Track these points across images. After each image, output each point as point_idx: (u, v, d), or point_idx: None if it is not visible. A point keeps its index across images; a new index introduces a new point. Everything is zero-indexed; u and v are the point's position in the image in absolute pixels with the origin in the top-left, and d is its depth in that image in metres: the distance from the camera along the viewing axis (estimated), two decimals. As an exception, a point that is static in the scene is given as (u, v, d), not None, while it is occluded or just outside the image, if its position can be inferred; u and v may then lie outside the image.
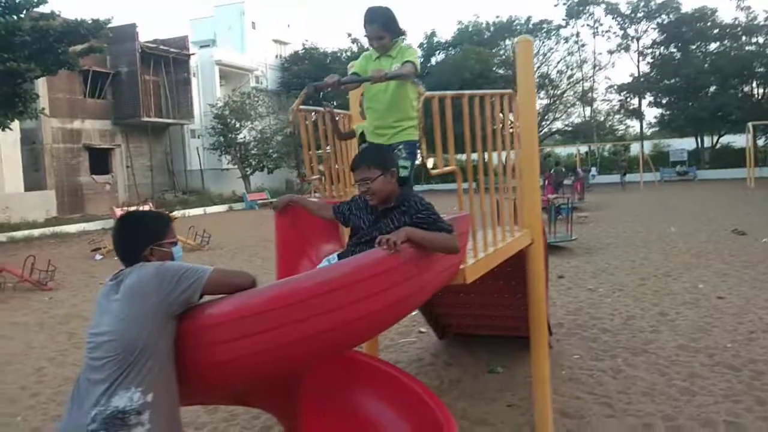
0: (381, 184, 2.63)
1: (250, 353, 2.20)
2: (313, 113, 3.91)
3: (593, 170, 31.29)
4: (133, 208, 21.21)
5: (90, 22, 18.08)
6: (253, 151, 34.27)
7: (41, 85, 24.10)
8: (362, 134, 3.42)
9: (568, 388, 4.85)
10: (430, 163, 2.90)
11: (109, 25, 19.61)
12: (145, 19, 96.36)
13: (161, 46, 31.03)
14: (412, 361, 5.54)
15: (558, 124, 44.68)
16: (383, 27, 3.24)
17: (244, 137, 33.83)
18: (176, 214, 21.78)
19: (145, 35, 30.77)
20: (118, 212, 22.28)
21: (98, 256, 13.99)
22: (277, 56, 42.94)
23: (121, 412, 1.99)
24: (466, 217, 2.95)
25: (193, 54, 33.64)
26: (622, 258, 10.49)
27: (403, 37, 3.28)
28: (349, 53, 43.49)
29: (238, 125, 33.24)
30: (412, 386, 3.21)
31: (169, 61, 31.44)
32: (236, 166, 34.22)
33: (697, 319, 6.50)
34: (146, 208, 22.25)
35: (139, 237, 2.30)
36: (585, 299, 7.58)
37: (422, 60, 43.50)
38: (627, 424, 4.19)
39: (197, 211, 27.50)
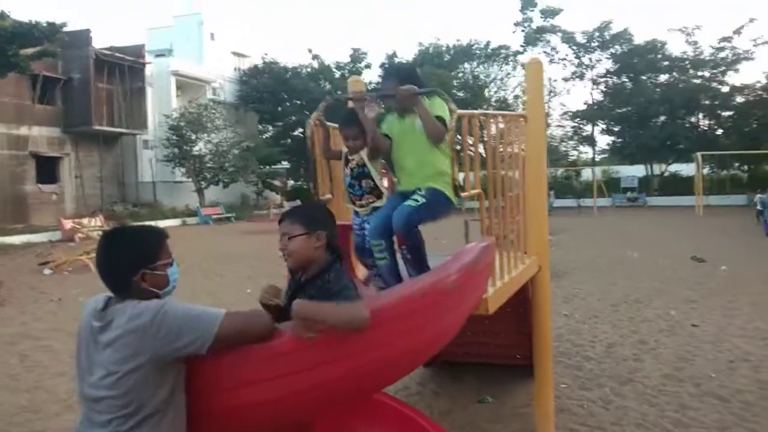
0: (300, 245, 2.18)
1: (277, 397, 1.97)
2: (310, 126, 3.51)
3: (551, 196, 31.77)
4: (85, 220, 20.31)
5: (45, 24, 17.39)
6: (208, 165, 33.48)
7: (-14, 88, 23.04)
8: (346, 156, 3.20)
9: (560, 419, 4.70)
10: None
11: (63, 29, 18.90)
12: (101, 27, 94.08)
13: (116, 54, 30.12)
14: (398, 390, 5.30)
15: (513, 148, 45.48)
16: (401, 84, 2.88)
17: (200, 150, 33.03)
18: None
19: (99, 42, 29.87)
20: (67, 224, 21.31)
21: (47, 271, 13.21)
22: (235, 69, 42.34)
23: None
24: (491, 245, 2.78)
25: (149, 63, 32.79)
26: (590, 283, 10.55)
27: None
28: (309, 69, 43.31)
29: (193, 137, 32.44)
30: (421, 423, 3.01)
31: (124, 69, 30.55)
32: (190, 179, 33.34)
33: (677, 347, 6.50)
34: (95, 220, 21.40)
35: (129, 259, 1.93)
36: (563, 325, 7.52)
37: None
38: (627, 459, 4.08)
39: (149, 224, 26.59)
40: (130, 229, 2.11)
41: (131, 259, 1.93)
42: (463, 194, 2.73)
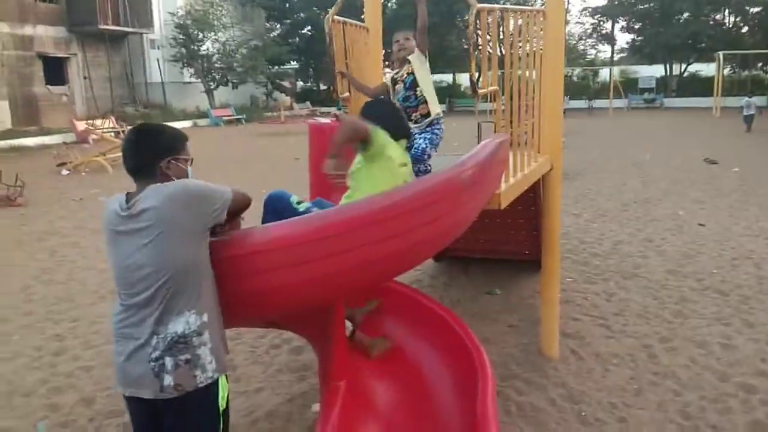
0: None
1: (296, 282, 2.14)
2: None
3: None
4: (98, 122, 20.37)
5: None
6: (216, 65, 32.89)
7: (-15, -16, 22.34)
8: (393, 77, 3.30)
9: (564, 309, 4.96)
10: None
11: None
12: None
13: (117, -54, 28.88)
14: (412, 282, 5.56)
15: (531, 46, 44.12)
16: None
17: (207, 49, 32.34)
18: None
19: (99, -67, 28.52)
20: (80, 126, 21.35)
21: (65, 171, 13.46)
22: (241, -38, 40.50)
23: (182, 336, 1.97)
24: (506, 141, 2.86)
25: (152, -44, 31.44)
26: (601, 184, 10.65)
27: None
28: (320, -36, 41.33)
29: (200, 36, 31.68)
30: (433, 307, 3.22)
31: (127, -37, 29.38)
32: (199, 80, 32.90)
33: (682, 245, 6.69)
34: (107, 121, 21.42)
35: (159, 147, 2.13)
36: (571, 224, 7.70)
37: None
38: (626, 345, 4.35)
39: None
40: (158, 125, 2.32)
41: (160, 145, 2.14)
42: (480, 91, 2.77)
